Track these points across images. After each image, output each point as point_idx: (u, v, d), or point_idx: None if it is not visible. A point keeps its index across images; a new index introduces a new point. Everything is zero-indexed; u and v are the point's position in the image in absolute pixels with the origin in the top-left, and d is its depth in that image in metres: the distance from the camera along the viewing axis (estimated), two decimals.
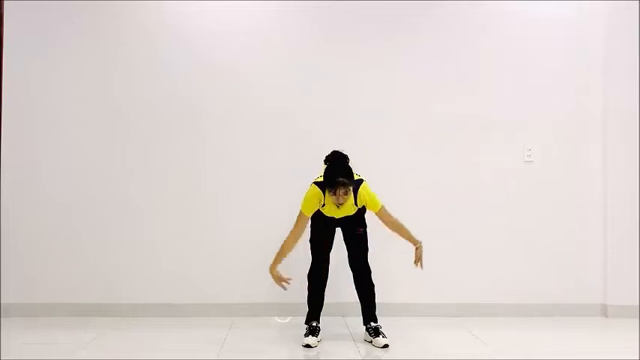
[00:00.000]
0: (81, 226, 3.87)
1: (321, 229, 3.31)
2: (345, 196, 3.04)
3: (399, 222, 3.26)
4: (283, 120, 3.93)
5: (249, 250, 3.90)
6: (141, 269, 3.88)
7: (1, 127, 3.72)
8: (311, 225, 3.32)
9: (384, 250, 3.85)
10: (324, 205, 3.19)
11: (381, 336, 3.20)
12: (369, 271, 3.32)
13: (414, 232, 3.14)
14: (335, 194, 3.02)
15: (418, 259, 3.25)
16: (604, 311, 3.98)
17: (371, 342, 3.23)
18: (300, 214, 3.18)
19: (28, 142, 3.87)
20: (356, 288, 3.33)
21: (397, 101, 3.99)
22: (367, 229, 3.32)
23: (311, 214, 3.21)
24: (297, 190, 3.83)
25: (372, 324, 3.27)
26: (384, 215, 3.24)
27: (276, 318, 3.82)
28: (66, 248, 3.86)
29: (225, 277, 3.90)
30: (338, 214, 3.21)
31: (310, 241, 3.34)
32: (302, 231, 3.20)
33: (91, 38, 3.93)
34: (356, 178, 3.14)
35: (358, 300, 3.33)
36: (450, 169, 4.01)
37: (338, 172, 3.03)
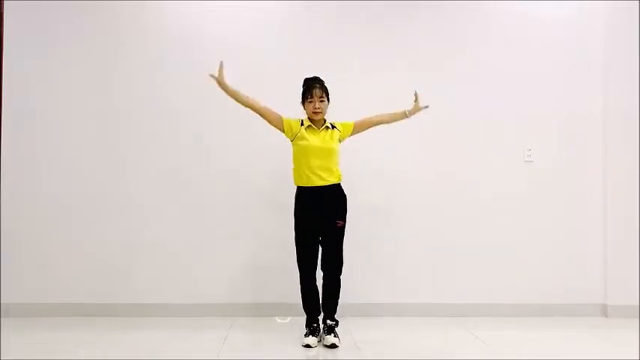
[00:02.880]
0: (81, 226, 3.87)
1: (305, 240, 3.26)
2: (321, 102, 3.26)
3: (378, 114, 3.40)
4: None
5: (250, 250, 3.91)
6: (141, 269, 3.88)
7: (1, 127, 3.74)
8: (295, 238, 3.29)
9: (383, 249, 3.87)
10: (304, 125, 3.28)
11: (332, 335, 3.18)
12: (340, 268, 3.27)
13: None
14: (312, 96, 3.25)
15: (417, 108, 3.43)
16: (604, 311, 3.98)
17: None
18: (277, 114, 3.31)
19: (28, 142, 3.87)
20: (323, 283, 3.29)
21: (396, 101, 3.98)
22: (347, 225, 3.28)
23: (285, 120, 3.30)
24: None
25: (329, 322, 3.25)
26: (362, 122, 3.40)
27: (276, 318, 3.82)
28: (66, 248, 3.86)
29: (225, 277, 3.90)
30: (319, 139, 3.24)
31: (297, 260, 3.29)
32: (264, 111, 3.30)
33: (91, 38, 3.93)
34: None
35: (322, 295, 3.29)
36: (449, 168, 4.01)
37: (314, 78, 3.32)
